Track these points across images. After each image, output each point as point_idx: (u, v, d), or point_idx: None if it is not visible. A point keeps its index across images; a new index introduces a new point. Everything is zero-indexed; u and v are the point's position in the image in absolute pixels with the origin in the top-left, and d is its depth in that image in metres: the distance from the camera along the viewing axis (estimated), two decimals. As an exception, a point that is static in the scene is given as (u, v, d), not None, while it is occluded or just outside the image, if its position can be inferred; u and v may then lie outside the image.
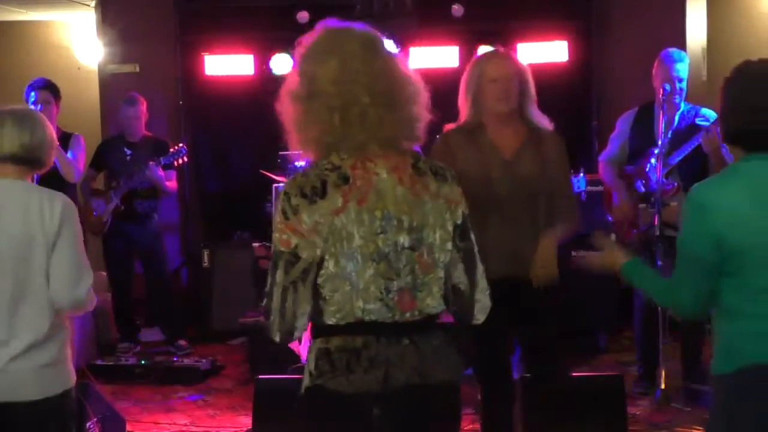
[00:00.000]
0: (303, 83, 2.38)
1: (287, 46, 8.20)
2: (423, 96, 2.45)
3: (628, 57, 7.35)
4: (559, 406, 4.29)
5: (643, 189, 5.40)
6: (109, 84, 8.18)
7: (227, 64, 8.05)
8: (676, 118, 5.40)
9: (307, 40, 2.43)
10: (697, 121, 5.38)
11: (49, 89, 6.17)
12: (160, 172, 6.74)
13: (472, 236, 2.46)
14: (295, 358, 5.40)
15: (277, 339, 2.30)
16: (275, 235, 2.31)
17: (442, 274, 2.40)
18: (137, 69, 8.07)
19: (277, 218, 2.32)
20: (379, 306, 2.30)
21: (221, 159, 8.30)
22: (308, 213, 2.28)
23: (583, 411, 4.28)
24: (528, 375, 4.13)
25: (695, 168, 5.28)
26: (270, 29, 7.95)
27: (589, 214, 6.50)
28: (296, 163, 6.61)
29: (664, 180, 5.18)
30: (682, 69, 5.35)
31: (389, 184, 2.34)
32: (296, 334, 2.32)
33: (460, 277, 2.45)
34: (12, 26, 8.90)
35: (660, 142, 5.22)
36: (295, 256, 2.28)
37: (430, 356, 2.36)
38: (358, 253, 2.29)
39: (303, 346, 5.39)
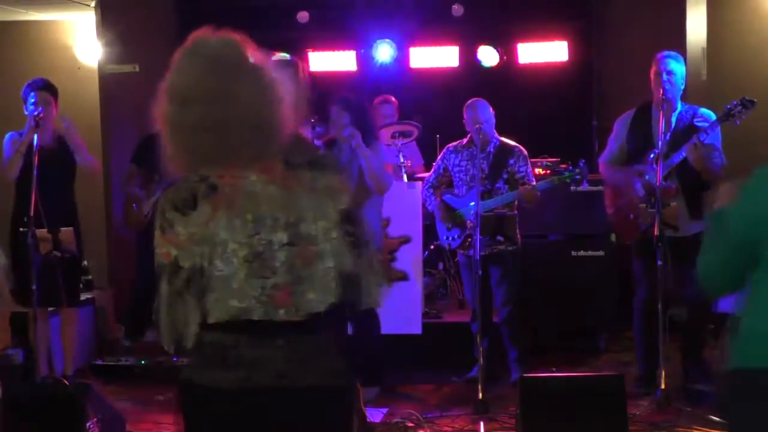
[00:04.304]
0: (170, 97, 2.42)
1: (287, 46, 8.27)
2: (285, 101, 2.42)
3: (628, 57, 7.34)
4: (559, 406, 4.29)
5: (642, 191, 5.37)
6: (109, 84, 8.17)
7: (227, 64, 8.05)
8: (673, 119, 5.38)
9: (177, 52, 2.53)
10: (695, 121, 5.35)
11: (48, 89, 6.15)
12: None
13: (362, 222, 2.45)
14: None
15: (171, 350, 2.40)
16: (156, 251, 2.36)
17: (330, 263, 2.39)
18: (137, 69, 8.06)
19: (156, 233, 2.37)
20: (253, 304, 2.33)
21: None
22: (182, 225, 2.33)
23: (583, 411, 4.27)
24: None
25: (693, 170, 5.27)
26: (270, 29, 7.94)
27: (589, 214, 6.50)
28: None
29: (662, 182, 5.16)
30: (673, 64, 5.34)
31: (259, 186, 2.37)
32: (187, 342, 2.38)
33: (349, 263, 2.42)
34: (12, 26, 8.89)
35: (660, 143, 5.21)
36: (177, 266, 2.34)
37: (301, 359, 2.37)
38: (233, 257, 2.33)
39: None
